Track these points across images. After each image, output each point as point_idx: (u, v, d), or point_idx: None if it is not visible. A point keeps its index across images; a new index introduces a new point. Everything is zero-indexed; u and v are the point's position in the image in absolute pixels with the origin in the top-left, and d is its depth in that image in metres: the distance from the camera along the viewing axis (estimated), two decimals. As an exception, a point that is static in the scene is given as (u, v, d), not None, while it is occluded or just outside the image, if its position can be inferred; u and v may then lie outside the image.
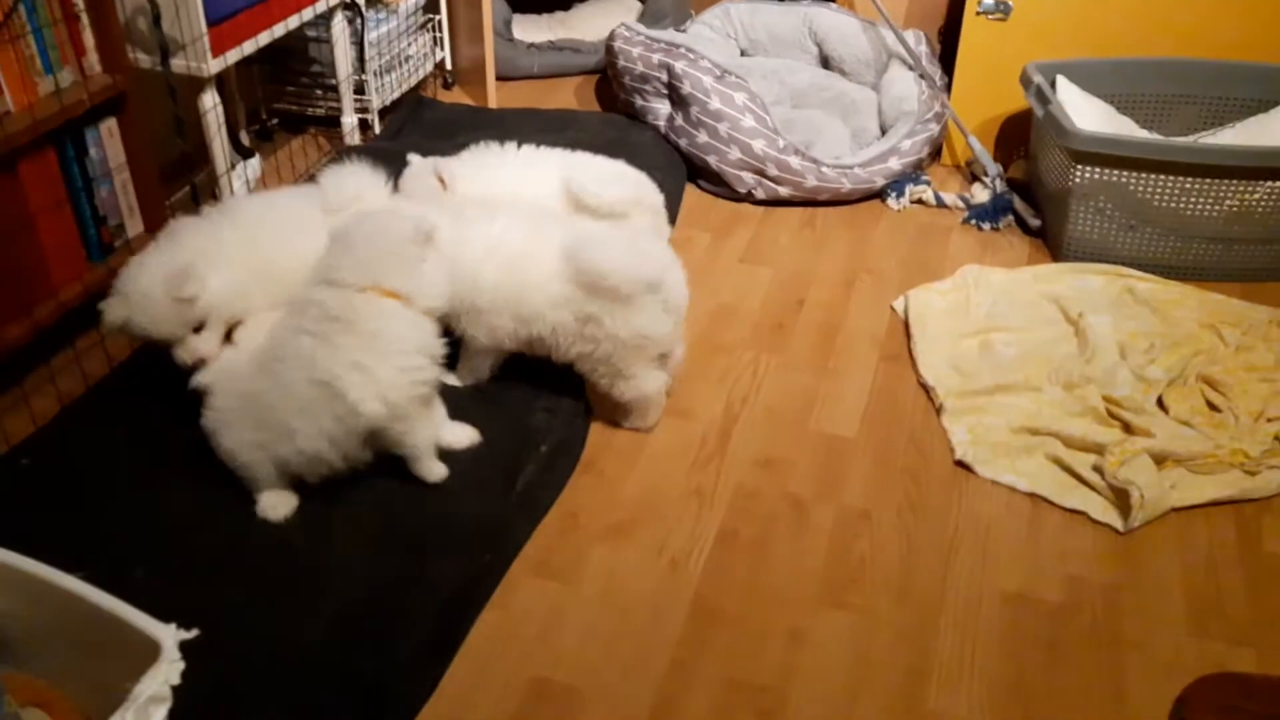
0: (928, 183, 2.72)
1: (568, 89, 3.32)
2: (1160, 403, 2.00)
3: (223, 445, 1.64)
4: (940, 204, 2.70)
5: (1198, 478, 1.85)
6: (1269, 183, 2.29)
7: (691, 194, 2.74)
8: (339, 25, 2.65)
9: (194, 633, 1.12)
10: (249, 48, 2.26)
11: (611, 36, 3.01)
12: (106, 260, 2.06)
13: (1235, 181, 2.29)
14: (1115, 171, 2.33)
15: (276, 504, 1.69)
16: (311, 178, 2.55)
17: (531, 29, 3.50)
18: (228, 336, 1.74)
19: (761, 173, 2.63)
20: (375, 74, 2.86)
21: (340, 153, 2.66)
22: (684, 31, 3.19)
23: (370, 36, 2.80)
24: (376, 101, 2.88)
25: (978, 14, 2.70)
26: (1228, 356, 2.10)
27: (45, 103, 1.88)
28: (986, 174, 2.72)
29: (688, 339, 2.19)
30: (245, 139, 2.76)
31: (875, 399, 2.06)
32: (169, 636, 1.10)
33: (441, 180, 2.05)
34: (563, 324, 1.79)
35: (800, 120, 2.86)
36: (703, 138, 2.67)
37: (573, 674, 1.50)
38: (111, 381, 1.98)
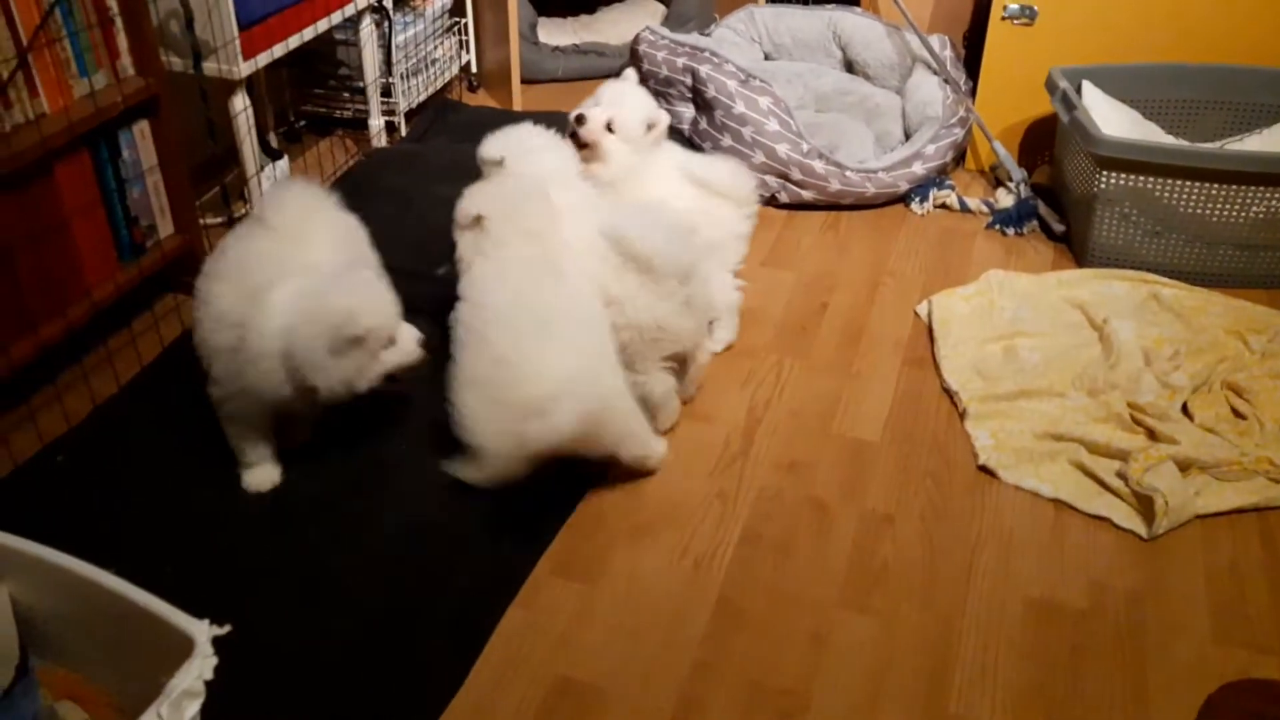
0: (952, 187, 2.72)
1: (592, 92, 3.32)
2: (1185, 409, 1.99)
3: None
4: (964, 209, 2.70)
5: (1222, 485, 1.84)
6: (1296, 189, 2.28)
7: (715, 197, 2.74)
8: (367, 28, 2.67)
9: (226, 628, 1.13)
10: (279, 51, 2.29)
11: (636, 40, 3.02)
12: (138, 260, 2.09)
13: (1262, 188, 2.28)
14: (1141, 177, 2.32)
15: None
16: (340, 180, 2.58)
17: (556, 32, 3.52)
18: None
19: (785, 177, 2.63)
20: (402, 77, 2.88)
21: (364, 154, 2.67)
22: (708, 35, 3.19)
23: (397, 40, 2.83)
24: (403, 104, 2.90)
25: (1003, 19, 2.70)
26: (1253, 363, 2.09)
27: (80, 105, 1.91)
28: (1011, 179, 2.72)
29: (711, 342, 2.20)
30: (274, 141, 2.79)
31: (898, 403, 2.06)
32: (202, 632, 1.11)
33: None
34: None
35: (824, 124, 2.87)
36: (727, 141, 2.68)
37: (596, 673, 1.52)
38: (143, 380, 2.01)
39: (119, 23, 1.96)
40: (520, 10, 3.14)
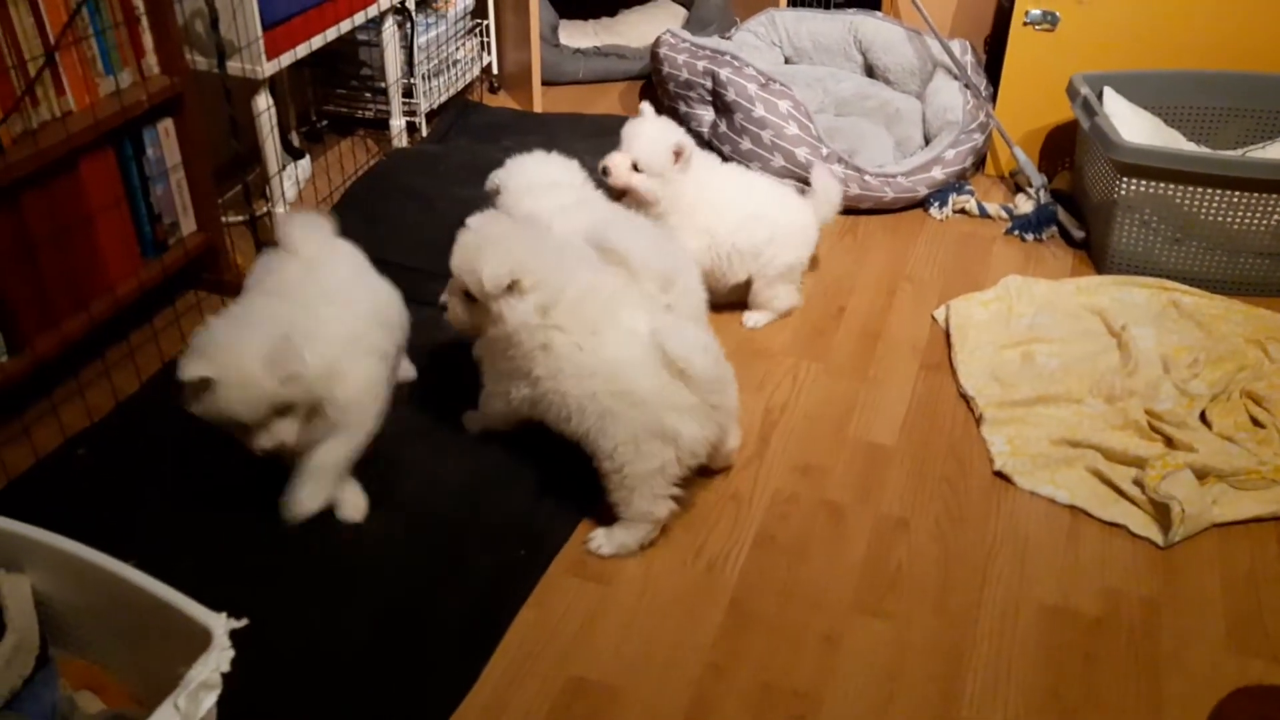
0: (971, 192, 2.72)
1: (612, 94, 3.34)
2: (1203, 418, 1.98)
3: None
4: (983, 214, 2.70)
5: (1240, 494, 1.84)
6: (1319, 198, 2.27)
7: (734, 200, 2.75)
8: (389, 29, 2.69)
9: (244, 622, 1.14)
10: (302, 51, 2.31)
11: (657, 43, 3.03)
12: (160, 257, 2.11)
13: (1284, 196, 2.27)
14: (1162, 184, 2.31)
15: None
16: (361, 179, 2.59)
17: (577, 34, 3.53)
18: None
19: (804, 180, 2.63)
20: (423, 78, 2.90)
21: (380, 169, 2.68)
22: (729, 39, 3.20)
23: (419, 41, 2.84)
24: (424, 105, 2.92)
25: (1025, 24, 2.69)
26: (1273, 372, 2.08)
27: (106, 103, 1.93)
28: (1031, 185, 2.71)
29: (728, 346, 2.21)
30: (295, 140, 2.81)
31: (915, 408, 2.06)
32: (220, 625, 1.13)
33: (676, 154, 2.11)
34: None
35: (844, 128, 2.87)
36: (746, 145, 2.69)
37: (609, 673, 1.52)
38: (164, 376, 2.03)
39: (145, 22, 1.98)
40: (541, 12, 3.15)
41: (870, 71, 3.17)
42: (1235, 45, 2.63)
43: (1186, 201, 2.32)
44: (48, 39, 1.80)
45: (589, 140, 2.69)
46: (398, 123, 2.84)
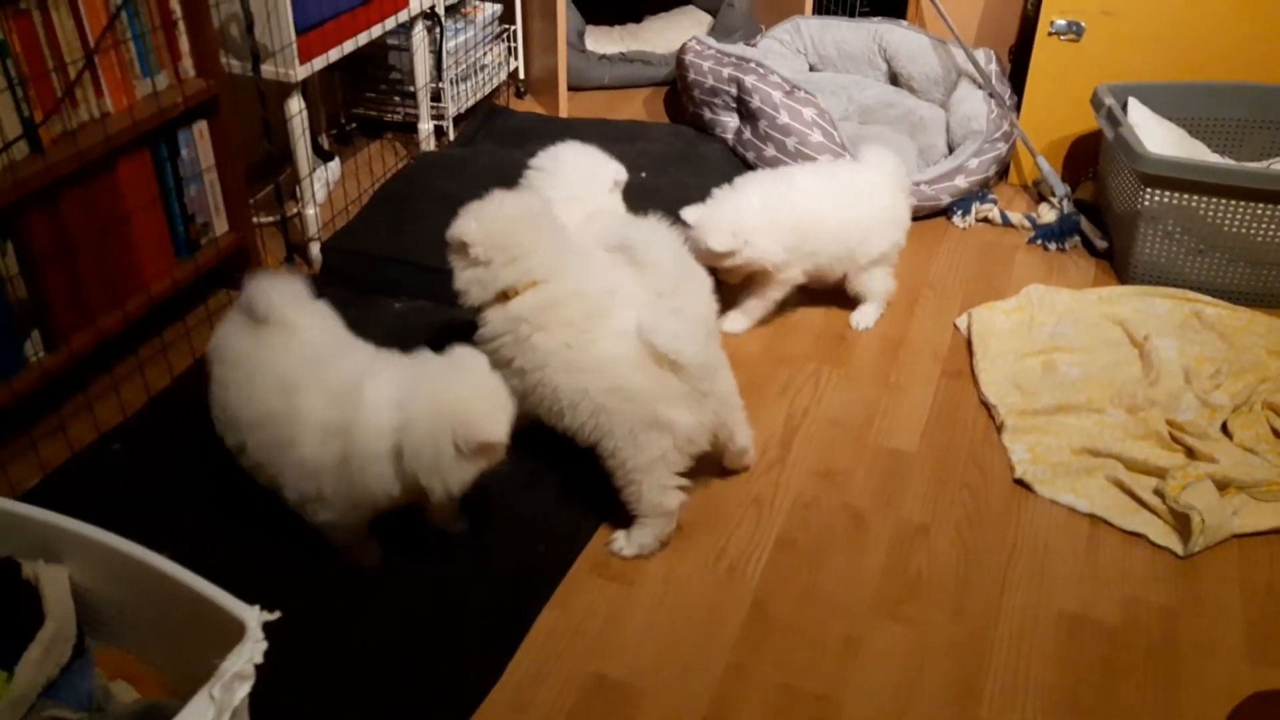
0: (994, 201, 2.72)
1: (637, 100, 3.37)
2: (1225, 429, 1.99)
3: None
4: (1006, 223, 2.70)
5: (1260, 505, 1.84)
6: (1344, 210, 2.27)
7: (757, 207, 2.76)
8: (418, 34, 2.72)
9: (276, 614, 1.16)
10: (334, 55, 2.34)
11: (682, 49, 3.05)
12: (194, 257, 2.14)
13: (1309, 208, 2.27)
14: (1186, 196, 2.32)
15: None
16: (389, 182, 2.62)
17: (604, 40, 3.56)
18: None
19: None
20: (451, 82, 2.93)
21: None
22: (754, 46, 3.22)
23: (448, 46, 2.87)
24: (452, 109, 2.95)
25: (1050, 34, 2.70)
26: (1296, 384, 2.08)
27: (143, 105, 1.96)
28: (1054, 194, 2.72)
29: (750, 353, 2.23)
30: (325, 143, 2.85)
31: (936, 415, 2.07)
32: (253, 617, 1.15)
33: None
34: None
35: (868, 136, 2.88)
36: (770, 151, 2.70)
37: (631, 672, 1.54)
38: (196, 373, 2.06)
39: (181, 26, 2.02)
40: (568, 18, 3.18)
41: (895, 80, 3.18)
42: (1261, 57, 2.63)
43: (1210, 213, 2.32)
44: (87, 42, 1.84)
45: (614, 145, 2.70)
46: (426, 126, 2.87)
